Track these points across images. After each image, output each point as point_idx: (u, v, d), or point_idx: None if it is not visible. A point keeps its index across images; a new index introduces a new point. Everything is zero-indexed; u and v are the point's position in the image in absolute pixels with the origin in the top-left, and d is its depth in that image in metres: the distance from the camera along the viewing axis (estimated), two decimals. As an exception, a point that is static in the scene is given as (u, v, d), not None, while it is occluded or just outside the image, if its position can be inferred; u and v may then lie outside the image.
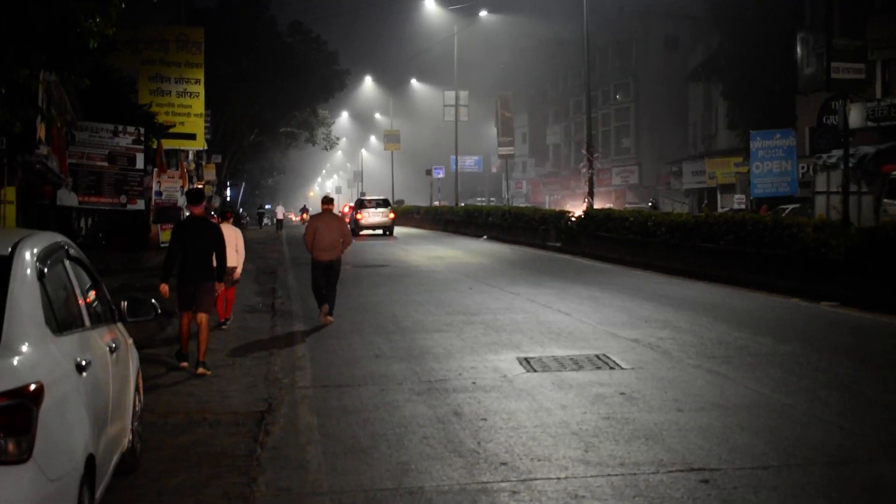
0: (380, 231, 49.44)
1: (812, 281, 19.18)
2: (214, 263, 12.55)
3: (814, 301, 18.23)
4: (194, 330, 12.60)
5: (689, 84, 66.59)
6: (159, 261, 32.51)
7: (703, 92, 65.35)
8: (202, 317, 12.39)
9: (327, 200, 17.77)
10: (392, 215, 51.01)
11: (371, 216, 50.02)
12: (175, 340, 13.61)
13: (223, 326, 16.31)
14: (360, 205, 52.21)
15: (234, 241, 16.11)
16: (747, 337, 14.11)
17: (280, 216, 77.30)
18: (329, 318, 16.68)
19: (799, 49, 48.72)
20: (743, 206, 48.17)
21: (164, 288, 12.46)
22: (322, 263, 16.86)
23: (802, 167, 45.15)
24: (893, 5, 41.74)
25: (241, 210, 49.40)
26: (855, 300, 17.49)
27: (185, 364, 12.46)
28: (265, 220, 79.45)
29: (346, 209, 64.36)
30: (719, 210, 50.89)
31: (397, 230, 53.27)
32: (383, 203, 52.38)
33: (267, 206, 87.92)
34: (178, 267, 12.54)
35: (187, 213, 14.06)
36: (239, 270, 16.88)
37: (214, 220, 15.28)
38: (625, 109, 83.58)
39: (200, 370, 12.03)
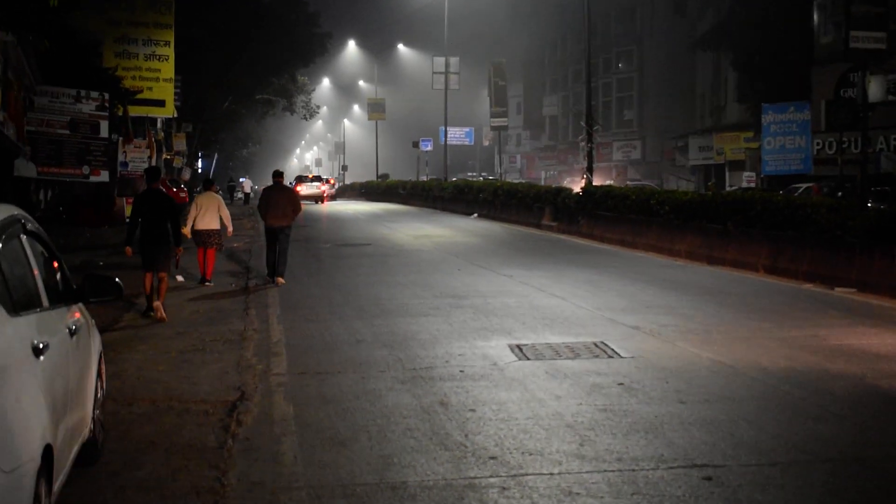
0: (313, 201, 65.67)
1: (826, 265, 19.21)
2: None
3: (828, 287, 18.30)
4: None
5: (697, 52, 66.41)
6: (123, 237, 32.49)
7: (712, 61, 65.27)
8: (162, 274, 15.86)
9: (278, 174, 21.35)
10: (323, 188, 72.56)
11: (306, 189, 67.79)
12: (142, 319, 15.12)
13: (206, 284, 19.65)
14: (300, 179, 74.16)
15: (215, 208, 20.22)
16: (755, 325, 14.15)
17: (247, 190, 77.26)
18: (280, 280, 19.78)
19: (815, 16, 48.68)
20: (753, 185, 48.26)
21: (129, 250, 16.11)
22: (273, 228, 20.12)
23: (817, 143, 45.18)
24: (917, -30, 41.61)
25: (214, 181, 49.70)
26: (873, 286, 17.54)
27: (152, 314, 15.36)
28: (237, 194, 79.40)
29: (310, 176, 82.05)
30: (727, 188, 50.99)
31: (381, 206, 58.65)
32: (317, 178, 77.13)
33: (241, 180, 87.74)
34: (140, 233, 15.92)
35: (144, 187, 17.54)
36: (230, 229, 21.26)
37: (184, 192, 19.32)
38: (627, 79, 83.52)
39: (159, 314, 15.19)
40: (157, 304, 15.35)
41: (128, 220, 18.55)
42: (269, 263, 20.22)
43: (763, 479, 7.24)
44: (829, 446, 8.10)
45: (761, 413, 9.14)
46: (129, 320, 15.01)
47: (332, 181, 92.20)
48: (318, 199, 68.74)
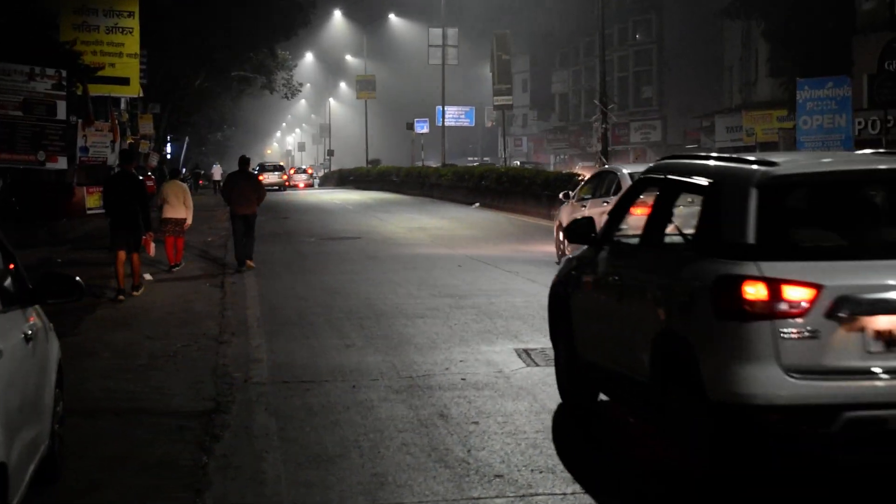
0: (276, 187, 72.03)
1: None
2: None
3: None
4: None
5: (724, 21, 66.36)
6: (84, 230, 32.54)
7: (741, 31, 65.19)
8: (134, 255, 17.79)
9: (244, 161, 23.50)
10: (284, 177, 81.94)
11: (269, 177, 72.67)
12: (108, 320, 15.29)
13: (173, 270, 21.43)
14: (262, 168, 79.84)
15: (181, 196, 22.07)
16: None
17: (217, 177, 77.33)
18: (250, 263, 21.80)
19: (856, -21, 48.65)
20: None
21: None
22: (239, 216, 21.89)
23: (859, 121, 45.15)
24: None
25: (182, 170, 49.37)
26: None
27: (122, 298, 17.21)
28: (201, 182, 79.49)
29: (292, 170, 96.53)
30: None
31: (372, 195, 60.10)
32: (279, 167, 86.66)
33: (214, 165, 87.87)
34: (111, 215, 17.96)
35: (117, 169, 20.07)
36: (189, 222, 22.39)
37: (151, 181, 20.96)
38: (646, 52, 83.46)
39: (134, 293, 17.66)
40: (136, 293, 17.76)
41: (91, 215, 20.60)
42: (236, 249, 22.09)
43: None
44: None
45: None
46: (92, 324, 14.99)
47: (309, 170, 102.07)
48: (280, 186, 76.84)
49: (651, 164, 10.63)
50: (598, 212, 14.42)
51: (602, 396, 9.54)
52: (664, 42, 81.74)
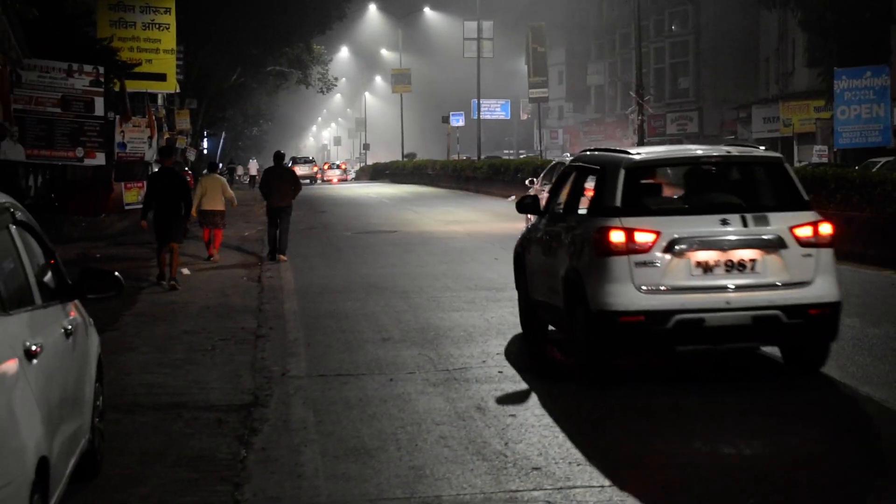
0: (307, 180, 74.16)
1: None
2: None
3: (910, 274, 18.19)
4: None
5: (761, 11, 65.96)
6: (123, 226, 32.74)
7: (778, 21, 64.79)
8: (174, 245, 18.46)
9: (279, 156, 24.59)
10: (315, 168, 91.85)
11: (300, 169, 70.82)
12: (147, 315, 15.30)
13: (210, 259, 22.49)
14: (293, 161, 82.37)
15: (219, 189, 23.05)
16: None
17: (253, 172, 77.75)
18: (282, 257, 22.67)
19: (894, -32, 48.25)
20: (825, 160, 47.93)
21: (144, 223, 19.43)
22: (275, 208, 22.90)
23: (899, 112, 44.81)
24: None
25: (219, 165, 49.63)
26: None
27: (164, 282, 18.43)
28: (236, 176, 79.82)
29: (326, 166, 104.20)
30: (795, 164, 50.66)
31: (408, 189, 60.22)
32: (310, 160, 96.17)
33: (252, 161, 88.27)
34: (154, 210, 18.80)
35: (156, 168, 20.87)
36: (235, 203, 24.58)
37: (188, 175, 21.23)
38: (682, 43, 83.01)
39: (171, 283, 18.26)
40: (172, 283, 18.33)
41: (129, 210, 20.79)
42: (270, 241, 23.22)
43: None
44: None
45: (839, 420, 9.06)
46: (131, 318, 15.06)
47: (342, 165, 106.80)
48: (311, 179, 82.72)
49: (588, 150, 14.24)
50: (547, 191, 16.93)
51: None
52: (701, 33, 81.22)
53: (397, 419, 9.31)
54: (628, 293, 10.23)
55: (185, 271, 20.34)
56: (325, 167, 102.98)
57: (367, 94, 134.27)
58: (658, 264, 10.25)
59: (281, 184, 23.30)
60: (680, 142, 78.67)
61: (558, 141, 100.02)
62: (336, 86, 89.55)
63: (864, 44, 48.18)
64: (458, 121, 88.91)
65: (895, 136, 44.14)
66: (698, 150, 13.00)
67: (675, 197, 12.21)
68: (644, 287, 10.22)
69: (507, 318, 14.45)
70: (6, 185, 28.85)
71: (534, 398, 9.95)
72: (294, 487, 7.54)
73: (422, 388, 10.51)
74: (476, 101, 74.15)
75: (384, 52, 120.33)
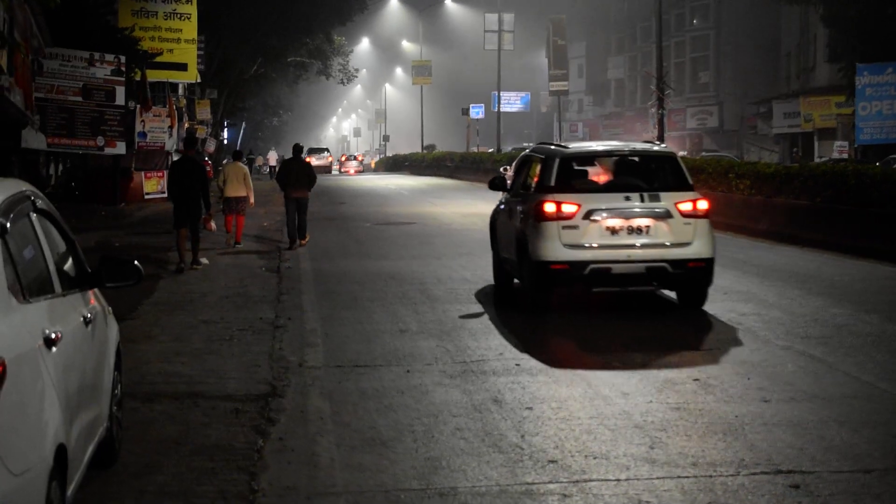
0: (322, 171, 73.10)
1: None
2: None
3: (930, 271, 18.13)
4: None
5: (783, 6, 65.72)
6: (142, 215, 32.82)
7: (800, 16, 64.58)
8: (196, 234, 19.65)
9: (297, 148, 25.83)
10: (330, 158, 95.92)
11: (315, 160, 70.27)
12: (166, 304, 15.30)
13: (236, 246, 23.29)
14: (309, 151, 78.56)
15: (241, 177, 23.97)
16: (848, 314, 14.04)
17: (273, 162, 77.94)
18: (303, 241, 23.90)
19: (917, -36, 48.02)
20: (845, 156, 47.78)
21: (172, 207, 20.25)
22: (292, 198, 23.86)
23: (919, 108, 44.61)
24: None
25: (242, 154, 50.04)
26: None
27: (184, 266, 19.23)
28: (256, 166, 80.00)
29: (344, 158, 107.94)
30: (816, 160, 50.52)
31: (427, 181, 60.47)
32: (325, 150, 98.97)
33: (272, 152, 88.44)
34: (174, 196, 19.96)
35: (176, 156, 21.87)
36: (252, 200, 24.50)
37: (208, 166, 21.68)
38: (703, 37, 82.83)
39: (194, 266, 19.40)
40: (195, 266, 19.44)
41: (148, 199, 20.71)
42: (289, 232, 24.03)
43: (857, 488, 7.19)
44: (932, 451, 8.05)
45: (855, 414, 9.07)
46: (150, 307, 15.11)
47: (360, 157, 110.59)
48: (326, 169, 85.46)
49: (539, 144, 19.09)
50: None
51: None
52: (722, 27, 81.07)
53: (414, 410, 9.33)
54: (557, 249, 14.13)
55: (204, 261, 20.38)
56: (343, 158, 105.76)
57: (387, 85, 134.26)
58: (579, 228, 14.14)
59: (298, 176, 24.18)
60: (700, 137, 78.70)
61: (578, 134, 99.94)
62: (356, 77, 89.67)
63: (886, 39, 47.95)
64: (477, 113, 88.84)
65: (917, 132, 43.95)
66: (614, 146, 18.25)
67: (595, 179, 15.63)
68: (568, 244, 14.10)
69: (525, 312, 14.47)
70: (27, 174, 29.01)
71: (550, 391, 9.95)
72: (310, 477, 7.56)
73: (438, 379, 10.52)
74: (496, 93, 74.17)
75: (405, 43, 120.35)
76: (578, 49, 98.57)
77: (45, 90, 31.12)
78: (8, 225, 5.74)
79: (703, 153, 62.92)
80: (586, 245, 14.05)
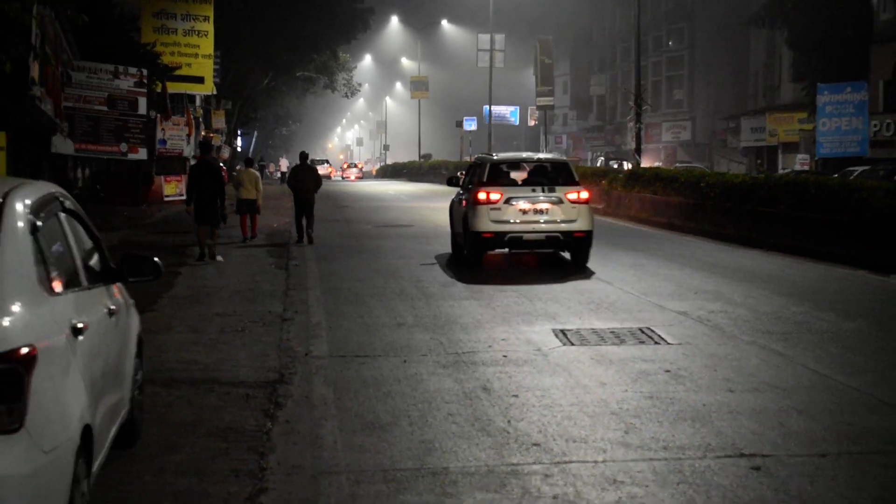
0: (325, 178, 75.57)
1: (882, 251, 19.03)
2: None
3: (883, 274, 18.13)
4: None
5: (751, 30, 65.78)
6: (164, 215, 32.82)
7: (766, 39, 64.64)
8: (214, 229, 20.70)
9: (304, 156, 26.97)
10: (330, 169, 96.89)
11: (320, 169, 76.73)
12: (183, 298, 15.32)
13: (246, 241, 24.42)
14: (312, 162, 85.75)
15: (254, 181, 25.30)
16: (807, 312, 14.08)
17: (283, 169, 78.11)
18: (311, 238, 24.61)
19: (874, -8, 48.11)
20: (806, 168, 47.83)
21: (190, 208, 20.62)
22: (301, 200, 25.02)
23: (875, 124, 44.72)
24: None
25: (254, 161, 50.35)
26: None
27: (207, 259, 20.24)
28: (267, 172, 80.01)
29: (345, 165, 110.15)
30: (780, 171, 50.55)
31: (424, 187, 60.62)
32: (324, 162, 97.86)
33: (282, 159, 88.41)
34: (196, 196, 20.51)
35: (193, 161, 23.64)
36: (260, 203, 25.61)
37: (223, 172, 23.39)
38: (678, 58, 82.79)
39: (219, 257, 20.50)
40: (218, 258, 20.47)
41: (168, 202, 20.55)
42: (297, 229, 25.23)
43: (813, 470, 7.22)
44: (883, 438, 8.06)
45: (812, 403, 9.10)
46: (168, 301, 15.11)
47: (360, 165, 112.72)
48: (326, 178, 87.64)
49: (480, 154, 25.01)
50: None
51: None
52: (695, 49, 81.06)
53: (409, 397, 9.34)
54: (486, 223, 18.81)
55: (219, 258, 20.39)
56: (345, 166, 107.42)
57: (387, 98, 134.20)
58: (501, 210, 18.81)
59: (306, 180, 25.15)
60: (674, 149, 78.77)
61: (562, 146, 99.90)
62: (359, 91, 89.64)
63: (845, 61, 48.13)
64: (470, 125, 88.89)
65: (872, 147, 44.03)
66: (528, 156, 23.31)
67: (514, 178, 20.91)
68: (494, 220, 18.79)
69: (511, 307, 14.48)
70: (56, 177, 29.00)
71: (535, 380, 9.97)
72: (314, 458, 7.57)
73: (432, 369, 10.53)
74: (488, 107, 74.15)
75: (404, 60, 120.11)
76: (564, 67, 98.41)
77: (73, 100, 31.13)
78: (39, 223, 5.76)
79: (677, 164, 62.87)
80: (506, 221, 18.82)
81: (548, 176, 19.99)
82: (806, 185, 22.56)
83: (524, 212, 18.76)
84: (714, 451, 7.65)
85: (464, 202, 19.93)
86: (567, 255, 19.92)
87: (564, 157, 24.55)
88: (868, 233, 19.66)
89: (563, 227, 18.79)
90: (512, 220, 18.72)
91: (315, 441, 7.99)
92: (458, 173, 29.08)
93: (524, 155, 24.36)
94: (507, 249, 19.92)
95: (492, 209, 18.74)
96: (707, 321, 13.31)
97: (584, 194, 19.22)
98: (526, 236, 18.87)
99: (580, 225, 18.85)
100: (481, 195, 18.86)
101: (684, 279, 17.45)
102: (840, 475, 7.13)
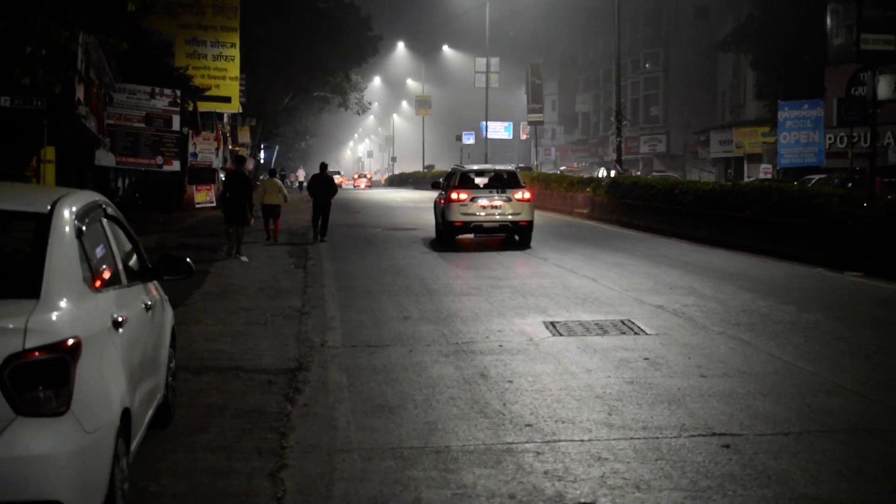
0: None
1: (837, 251, 19.01)
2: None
3: (838, 271, 18.11)
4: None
5: (719, 54, 65.86)
6: (195, 221, 32.80)
7: (733, 62, 64.64)
8: (242, 229, 21.49)
9: (323, 166, 28.28)
10: (341, 179, 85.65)
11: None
12: (212, 294, 15.17)
13: (268, 241, 25.08)
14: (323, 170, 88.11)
15: (278, 189, 25.90)
16: (771, 305, 14.05)
17: (301, 178, 78.31)
18: (324, 239, 25.35)
19: (829, 19, 48.15)
20: (769, 176, 47.82)
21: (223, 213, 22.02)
22: (319, 203, 25.78)
23: (829, 137, 44.75)
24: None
25: (276, 171, 50.65)
26: (880, 271, 17.34)
27: (229, 256, 20.81)
28: (287, 181, 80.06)
29: (356, 176, 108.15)
30: (745, 179, 50.53)
31: (427, 194, 59.28)
32: (336, 173, 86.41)
33: (300, 170, 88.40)
34: (227, 199, 21.82)
35: (223, 174, 25.58)
36: (285, 202, 26.16)
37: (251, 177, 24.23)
38: (654, 78, 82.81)
39: (243, 257, 20.59)
40: (243, 259, 20.59)
41: (199, 208, 20.53)
42: (314, 225, 25.87)
43: (777, 448, 7.20)
44: (839, 418, 8.04)
45: (777, 387, 9.08)
46: (199, 297, 15.09)
47: (369, 175, 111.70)
48: (338, 185, 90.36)
49: (454, 165, 30.23)
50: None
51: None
52: (669, 70, 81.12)
53: (415, 383, 9.32)
54: (457, 215, 23.14)
55: (244, 258, 20.37)
56: (356, 176, 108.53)
57: (395, 115, 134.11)
58: (467, 205, 23.05)
59: (324, 187, 26.17)
60: (651, 160, 78.79)
61: (551, 157, 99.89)
62: (369, 109, 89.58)
63: (803, 81, 48.22)
64: (469, 139, 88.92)
65: (828, 157, 44.07)
66: (488, 167, 26.81)
67: (478, 183, 24.18)
68: (462, 213, 23.07)
69: (506, 302, 14.46)
70: (100, 186, 29.01)
71: (527, 368, 9.95)
72: (330, 437, 7.55)
73: (435, 357, 10.51)
74: (484, 123, 74.21)
75: (409, 81, 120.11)
76: (552, 87, 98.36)
77: (114, 118, 31.10)
78: (84, 228, 5.77)
79: (654, 173, 62.85)
80: (472, 214, 23.14)
81: (502, 182, 24.10)
82: (769, 192, 22.53)
83: (484, 207, 23.12)
84: (688, 431, 7.63)
85: (442, 201, 24.16)
86: (517, 237, 23.73)
87: (513, 167, 28.98)
88: (824, 235, 19.63)
89: (511, 217, 23.16)
90: (476, 213, 23.13)
91: (330, 422, 7.97)
92: (440, 180, 31.11)
93: (486, 166, 27.78)
94: (472, 235, 24.25)
95: (461, 205, 23.14)
96: (682, 314, 13.28)
97: (527, 195, 23.51)
98: (485, 224, 23.31)
99: (524, 217, 23.19)
100: (454, 195, 23.26)
101: (661, 276, 17.41)
102: (801, 452, 7.11)
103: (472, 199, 23.03)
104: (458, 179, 24.06)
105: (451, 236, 23.77)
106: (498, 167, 26.64)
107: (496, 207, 23.04)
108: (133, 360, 6.00)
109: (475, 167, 26.82)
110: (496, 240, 24.58)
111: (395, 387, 9.16)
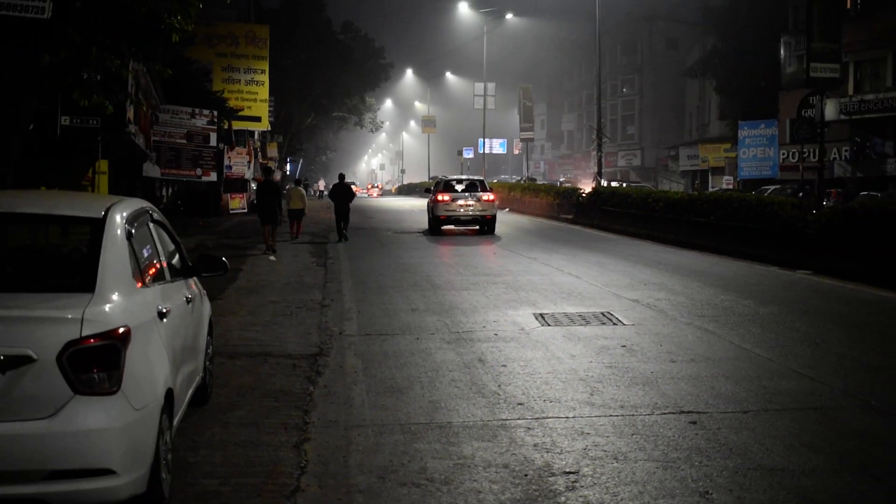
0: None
1: (789, 252, 19.01)
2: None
3: (790, 270, 18.09)
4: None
5: (687, 80, 65.88)
6: (229, 225, 32.80)
7: (699, 87, 64.64)
8: (275, 228, 22.46)
9: (341, 176, 28.89)
10: (357, 188, 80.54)
11: None
12: (244, 289, 14.97)
13: (294, 240, 25.54)
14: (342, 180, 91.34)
15: (302, 196, 26.89)
16: (732, 299, 14.03)
17: (321, 188, 78.78)
18: (346, 237, 25.94)
19: (782, 50, 48.21)
20: (731, 187, 47.81)
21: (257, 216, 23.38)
22: (339, 209, 26.48)
23: (783, 153, 44.73)
24: (866, 13, 41.19)
25: (300, 181, 51.05)
26: (826, 270, 17.33)
27: (265, 252, 21.54)
28: (310, 191, 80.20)
29: (369, 185, 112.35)
30: (710, 189, 50.52)
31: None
32: (352, 183, 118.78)
33: (321, 181, 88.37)
34: (261, 203, 22.85)
35: (254, 183, 26.37)
36: (306, 210, 27.30)
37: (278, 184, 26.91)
38: (630, 101, 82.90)
39: (272, 256, 20.82)
40: (272, 257, 20.92)
41: (233, 214, 21.14)
42: (338, 227, 26.39)
43: (738, 424, 7.19)
44: (792, 398, 8.03)
45: (737, 371, 9.06)
46: (233, 291, 15.09)
47: (380, 185, 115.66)
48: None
49: (440, 176, 37.43)
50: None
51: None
52: (643, 94, 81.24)
53: (421, 367, 9.31)
54: (442, 211, 26.89)
55: (272, 258, 20.37)
56: (369, 186, 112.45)
57: (404, 133, 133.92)
58: (449, 204, 26.93)
59: (343, 194, 26.76)
60: (627, 172, 78.75)
61: (540, 169, 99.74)
62: (382, 127, 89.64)
63: (760, 104, 48.23)
64: (468, 153, 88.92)
65: (781, 170, 44.05)
66: (465, 177, 30.66)
67: (456, 188, 27.85)
68: (445, 210, 26.80)
69: (500, 296, 14.43)
70: (147, 194, 29.02)
71: (519, 354, 9.94)
72: (347, 414, 7.55)
73: (439, 344, 10.50)
74: (482, 139, 74.14)
75: (417, 103, 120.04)
76: (541, 108, 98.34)
77: (159, 135, 31.17)
78: (133, 231, 5.80)
79: (631, 184, 62.82)
80: (452, 210, 27.32)
81: (473, 187, 28.42)
82: (730, 201, 22.50)
83: (461, 206, 27.60)
84: (660, 409, 7.62)
85: (430, 201, 28.99)
86: (486, 228, 27.90)
87: (480, 177, 32.35)
88: (779, 238, 19.61)
89: (480, 213, 27.71)
90: (455, 210, 27.60)
91: (347, 401, 7.97)
92: (431, 186, 32.91)
93: (462, 176, 32.23)
94: (453, 226, 28.32)
95: (444, 204, 27.65)
96: (654, 307, 13.27)
97: (492, 196, 28.27)
98: (462, 217, 27.82)
99: (489, 212, 27.86)
100: (439, 197, 27.90)
101: (636, 274, 17.39)
102: (759, 427, 7.10)
103: (453, 200, 27.57)
104: (442, 186, 28.62)
105: (437, 226, 27.98)
106: (471, 177, 31.30)
107: (469, 206, 27.60)
108: (175, 346, 6.01)
109: (454, 177, 31.37)
110: (488, 241, 24.77)
111: (404, 370, 9.16)
